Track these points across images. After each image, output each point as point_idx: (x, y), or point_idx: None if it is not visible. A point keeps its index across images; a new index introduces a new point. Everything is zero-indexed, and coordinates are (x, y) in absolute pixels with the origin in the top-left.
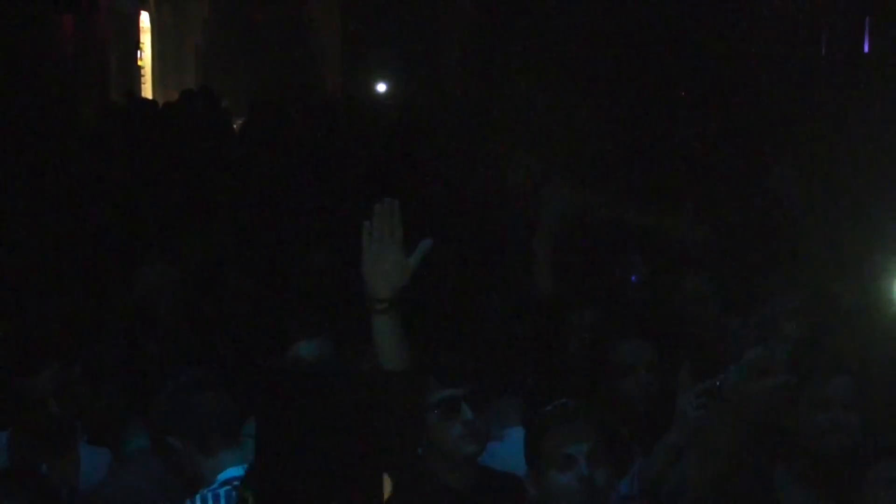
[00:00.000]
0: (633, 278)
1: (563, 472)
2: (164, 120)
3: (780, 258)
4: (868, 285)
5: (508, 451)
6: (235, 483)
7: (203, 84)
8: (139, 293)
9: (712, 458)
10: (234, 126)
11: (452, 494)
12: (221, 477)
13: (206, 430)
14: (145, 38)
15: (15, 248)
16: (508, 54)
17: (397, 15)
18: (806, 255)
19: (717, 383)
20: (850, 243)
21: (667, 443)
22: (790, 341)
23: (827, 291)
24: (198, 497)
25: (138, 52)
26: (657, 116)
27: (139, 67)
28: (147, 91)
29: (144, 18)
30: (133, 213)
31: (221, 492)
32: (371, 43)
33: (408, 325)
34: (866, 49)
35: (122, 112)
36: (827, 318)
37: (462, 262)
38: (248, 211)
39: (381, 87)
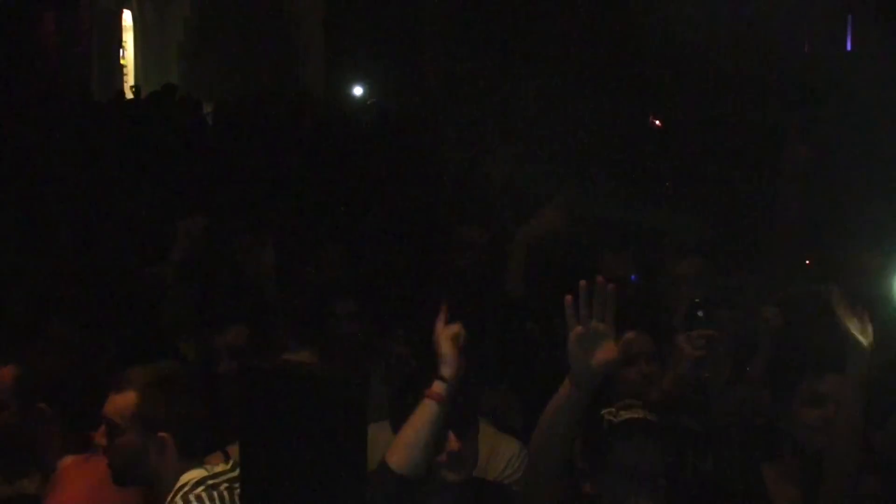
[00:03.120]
0: (633, 278)
1: None
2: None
3: (767, 255)
4: (853, 284)
5: None
6: (209, 483)
7: (167, 82)
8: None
9: None
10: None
11: None
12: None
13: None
14: (127, 37)
15: None
16: (493, 56)
17: (381, 15)
18: (792, 252)
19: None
20: (836, 241)
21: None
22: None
23: (810, 290)
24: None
25: (120, 50)
26: (644, 114)
27: (121, 66)
28: (129, 89)
29: (126, 17)
30: (115, 209)
31: (216, 493)
32: (354, 42)
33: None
34: (849, 47)
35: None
36: (813, 315)
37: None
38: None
39: (360, 90)
